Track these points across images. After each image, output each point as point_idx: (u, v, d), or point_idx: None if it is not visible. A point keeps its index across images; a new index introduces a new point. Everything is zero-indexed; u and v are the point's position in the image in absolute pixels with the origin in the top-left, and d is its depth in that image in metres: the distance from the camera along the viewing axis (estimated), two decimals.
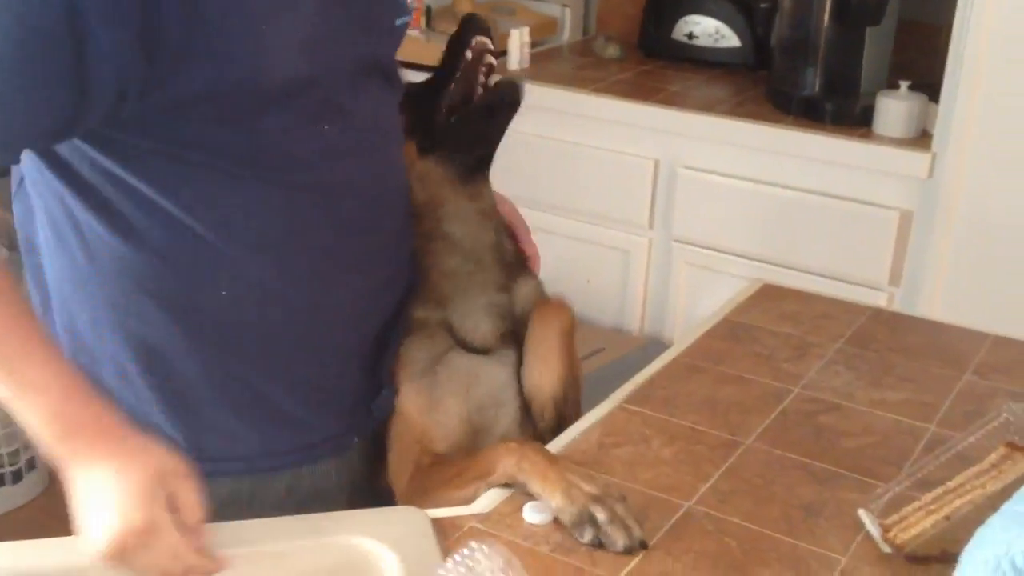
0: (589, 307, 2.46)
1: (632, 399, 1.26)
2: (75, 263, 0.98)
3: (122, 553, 0.76)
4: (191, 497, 0.81)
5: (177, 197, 0.94)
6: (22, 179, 1.02)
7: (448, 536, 0.98)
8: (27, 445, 2.37)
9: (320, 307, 1.06)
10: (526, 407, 1.21)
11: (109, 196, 0.94)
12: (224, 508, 1.00)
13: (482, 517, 1.02)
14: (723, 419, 1.22)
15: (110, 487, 0.76)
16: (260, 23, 0.89)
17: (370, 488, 1.17)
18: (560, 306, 1.26)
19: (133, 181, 0.93)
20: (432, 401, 1.17)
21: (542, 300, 1.27)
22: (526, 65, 2.58)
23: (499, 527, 1.01)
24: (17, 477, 2.39)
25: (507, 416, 1.21)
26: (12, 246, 2.32)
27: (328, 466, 1.13)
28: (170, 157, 0.93)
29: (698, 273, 2.32)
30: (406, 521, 0.97)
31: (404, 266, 1.17)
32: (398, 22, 1.09)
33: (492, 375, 1.21)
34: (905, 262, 2.10)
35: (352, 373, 1.13)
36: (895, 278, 2.12)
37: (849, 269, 2.15)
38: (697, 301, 2.26)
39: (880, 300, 2.10)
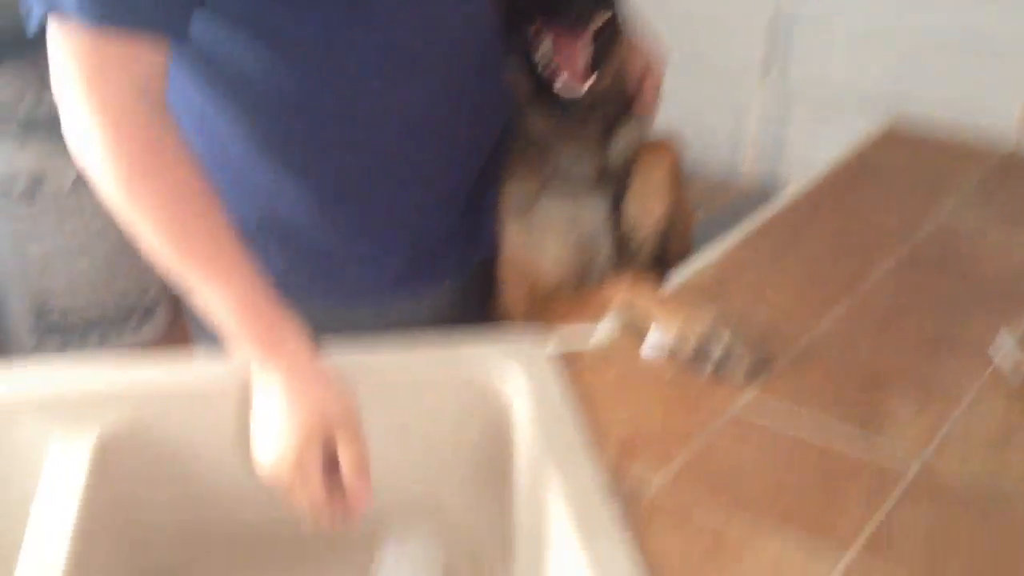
0: (702, 154, 2.42)
1: (754, 235, 1.25)
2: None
3: (275, 482, 0.77)
4: (350, 449, 0.78)
5: (295, 36, 0.93)
6: None
7: (571, 364, 1.00)
8: (154, 283, 2.43)
9: (426, 145, 1.06)
10: (623, 246, 1.21)
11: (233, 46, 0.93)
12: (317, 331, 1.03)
13: (601, 352, 1.03)
14: (848, 257, 1.19)
15: (278, 415, 0.75)
16: None
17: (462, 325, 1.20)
18: (664, 145, 1.24)
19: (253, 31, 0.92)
20: (534, 239, 1.18)
21: (647, 141, 1.25)
22: None
23: (617, 361, 1.02)
24: (149, 316, 2.47)
25: (603, 255, 1.22)
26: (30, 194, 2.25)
27: (421, 303, 1.15)
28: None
29: (816, 116, 2.24)
30: (530, 346, 0.99)
31: (502, 106, 1.16)
32: None
33: (589, 215, 1.20)
34: None
35: (453, 212, 1.14)
36: None
37: (977, 110, 2.05)
38: (816, 145, 2.20)
39: (1012, 140, 2.00)
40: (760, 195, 2.07)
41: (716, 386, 0.96)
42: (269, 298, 0.80)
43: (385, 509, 0.88)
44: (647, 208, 1.20)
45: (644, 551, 0.74)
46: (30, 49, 1.66)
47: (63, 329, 2.06)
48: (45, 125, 1.79)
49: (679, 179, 1.25)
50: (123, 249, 2.40)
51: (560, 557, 0.78)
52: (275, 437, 0.77)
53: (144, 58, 0.80)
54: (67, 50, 0.78)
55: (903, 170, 1.39)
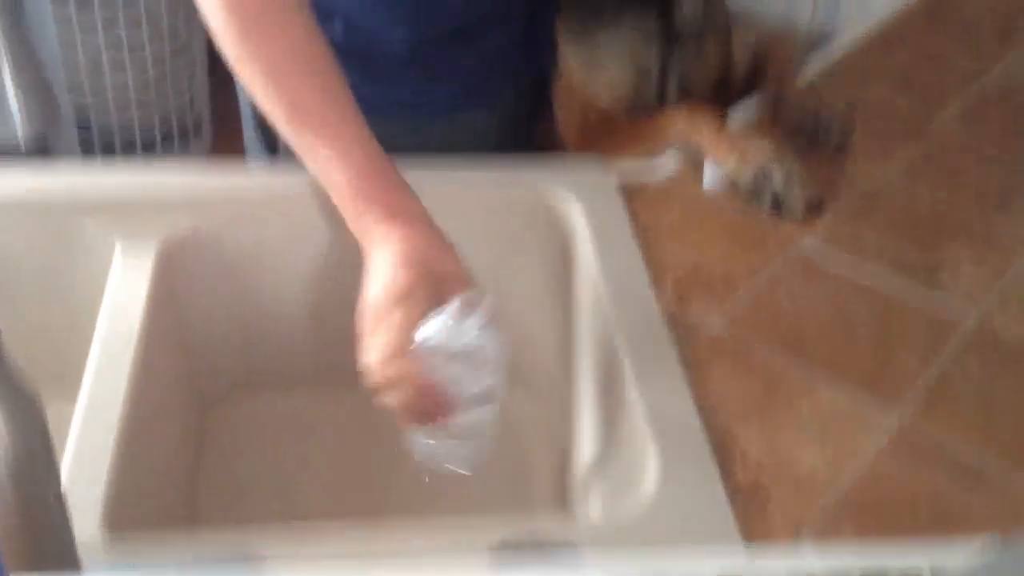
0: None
1: (818, 75, 1.20)
2: None
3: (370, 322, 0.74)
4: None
5: None
6: None
7: (632, 197, 0.98)
8: (194, 102, 2.40)
9: None
10: (691, 80, 1.18)
11: None
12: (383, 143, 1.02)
13: (664, 186, 1.01)
14: (918, 96, 1.15)
15: (392, 266, 0.72)
16: None
17: (523, 140, 1.18)
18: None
19: None
20: (593, 60, 1.15)
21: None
22: None
23: (680, 196, 1.00)
24: (184, 137, 2.45)
25: (664, 87, 1.18)
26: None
27: (480, 116, 1.13)
28: None
29: None
30: (592, 175, 0.97)
31: None
32: None
33: (652, 41, 1.17)
34: None
35: (513, 31, 1.10)
36: None
37: None
38: None
39: None
40: (822, 36, 1.99)
41: (776, 226, 0.94)
42: (386, 161, 0.79)
43: None
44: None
45: (700, 391, 0.75)
46: None
47: (104, 148, 2.05)
48: None
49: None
50: (169, 64, 2.35)
51: (617, 390, 0.78)
52: (386, 280, 0.75)
53: None
54: None
55: (976, 9, 1.33)
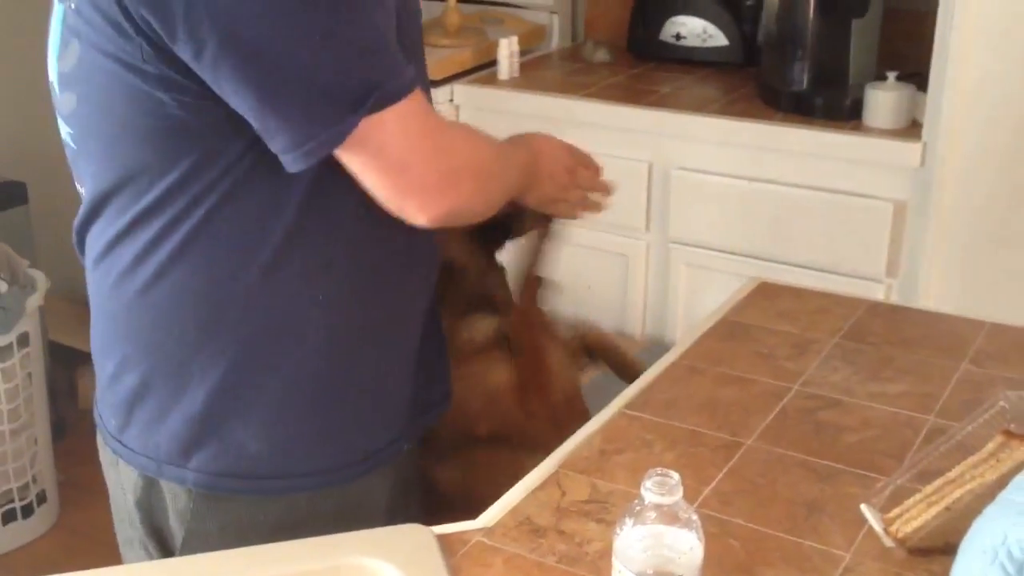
0: (591, 313, 2.47)
1: (633, 404, 1.27)
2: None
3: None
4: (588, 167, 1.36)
5: (294, 195, 1.01)
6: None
7: (454, 552, 0.99)
8: (36, 478, 2.38)
9: (391, 307, 1.09)
10: None
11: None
12: (280, 529, 1.02)
13: (487, 532, 1.03)
14: (724, 420, 1.23)
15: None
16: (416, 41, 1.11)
17: (413, 489, 1.21)
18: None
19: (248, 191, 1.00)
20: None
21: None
22: (516, 74, 2.59)
23: (505, 540, 1.02)
24: (28, 511, 2.40)
25: None
26: (13, 280, 2.33)
27: (380, 474, 1.15)
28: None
29: (697, 273, 2.33)
30: (412, 539, 0.98)
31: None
32: None
33: None
34: (902, 253, 2.11)
35: (412, 376, 1.16)
36: (893, 269, 2.13)
37: (847, 262, 2.16)
38: (697, 301, 2.27)
39: (878, 292, 2.11)
40: (656, 348, 2.11)
41: (599, 572, 0.96)
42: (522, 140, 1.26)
43: None
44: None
45: None
46: None
47: None
48: None
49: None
50: (10, 443, 2.34)
51: None
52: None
53: None
54: (413, 118, 0.97)
55: (771, 328, 1.45)
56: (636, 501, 0.81)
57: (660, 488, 0.79)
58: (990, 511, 0.79)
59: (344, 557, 0.94)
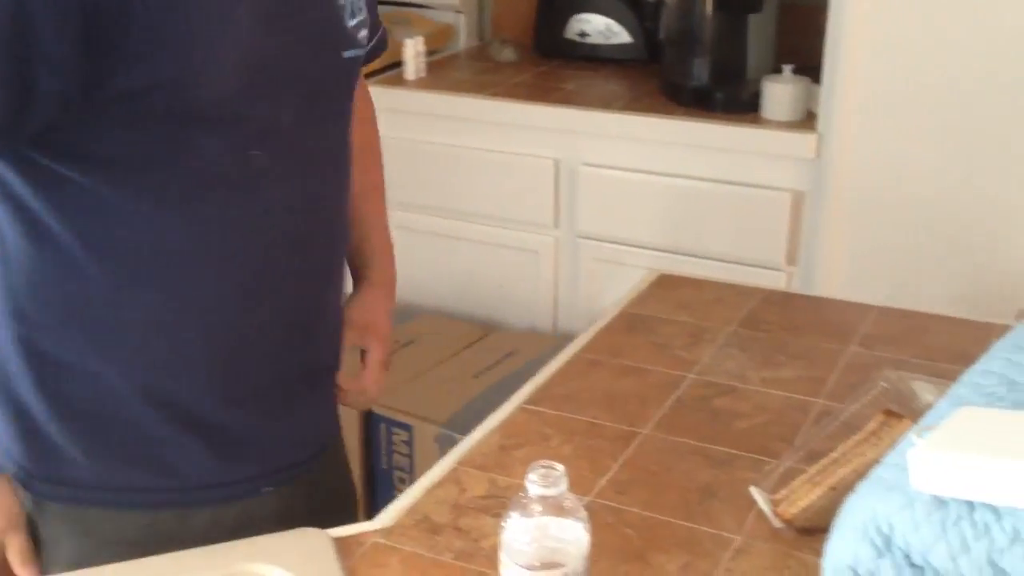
0: (502, 310, 2.49)
1: (532, 399, 1.28)
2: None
3: None
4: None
5: (96, 214, 0.96)
6: None
7: (351, 554, 0.99)
8: None
9: (246, 329, 1.06)
10: None
11: (30, 208, 0.96)
12: (140, 544, 1.00)
13: (385, 532, 1.03)
14: (622, 411, 1.25)
15: None
16: (194, 31, 0.90)
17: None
18: None
19: (50, 198, 0.95)
20: None
21: None
22: (423, 74, 2.59)
23: (402, 539, 1.02)
24: None
25: None
26: None
27: (265, 497, 1.13)
28: (92, 177, 0.94)
29: (605, 268, 2.35)
30: (306, 543, 0.98)
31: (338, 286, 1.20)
32: (347, 54, 1.08)
33: None
34: (801, 241, 2.16)
35: (290, 398, 1.14)
36: (792, 258, 2.18)
37: (749, 252, 2.20)
38: (607, 296, 2.29)
39: (780, 281, 2.16)
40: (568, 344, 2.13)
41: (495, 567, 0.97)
42: None
43: None
44: None
45: None
46: None
47: None
48: None
49: None
50: None
51: None
52: None
53: None
54: None
55: (669, 319, 1.48)
56: (521, 493, 0.82)
57: (544, 480, 0.80)
58: (862, 488, 0.82)
59: (236, 564, 0.93)
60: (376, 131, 1.36)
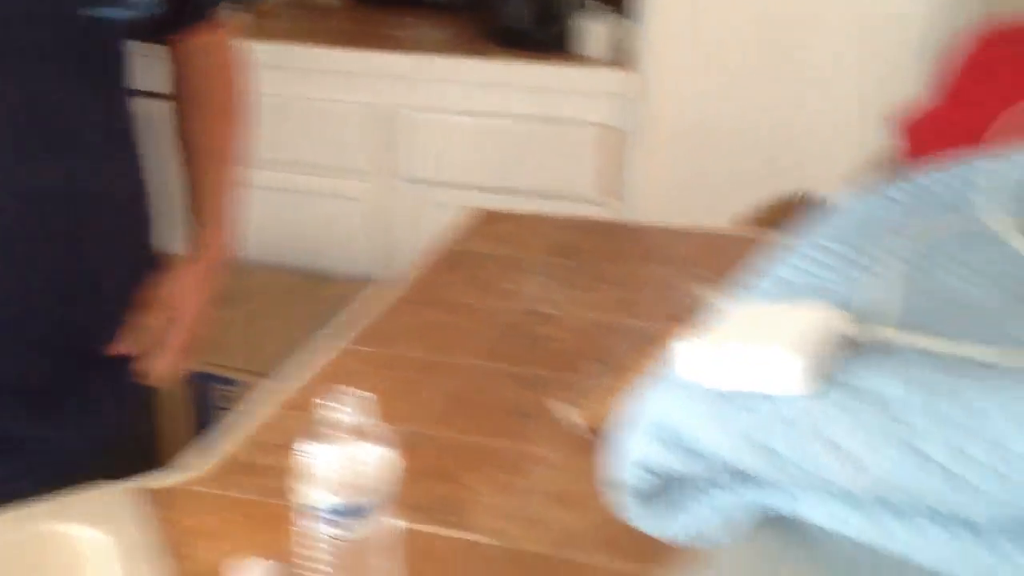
0: (332, 258, 2.47)
1: (357, 339, 1.29)
2: None
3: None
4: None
5: None
6: None
7: (161, 504, 0.98)
8: None
9: None
10: None
11: None
12: None
13: (203, 479, 1.02)
14: (443, 344, 1.26)
15: None
16: None
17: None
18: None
19: None
20: None
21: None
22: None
23: (213, 485, 1.01)
24: None
25: None
26: None
27: None
28: None
29: (431, 210, 2.36)
30: (112, 498, 0.96)
31: (106, 268, 1.13)
32: (96, 13, 0.99)
33: None
34: (623, 176, 2.22)
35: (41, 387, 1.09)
36: (615, 191, 2.24)
37: (573, 188, 2.25)
38: (432, 238, 2.31)
39: (605, 215, 2.22)
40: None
41: None
42: None
43: None
44: None
45: None
46: None
47: None
48: None
49: None
50: None
51: None
52: None
53: None
54: None
55: (491, 253, 1.50)
56: (320, 422, 0.82)
57: (343, 405, 0.81)
58: (646, 389, 0.86)
59: (41, 525, 0.91)
60: (230, 91, 1.29)
